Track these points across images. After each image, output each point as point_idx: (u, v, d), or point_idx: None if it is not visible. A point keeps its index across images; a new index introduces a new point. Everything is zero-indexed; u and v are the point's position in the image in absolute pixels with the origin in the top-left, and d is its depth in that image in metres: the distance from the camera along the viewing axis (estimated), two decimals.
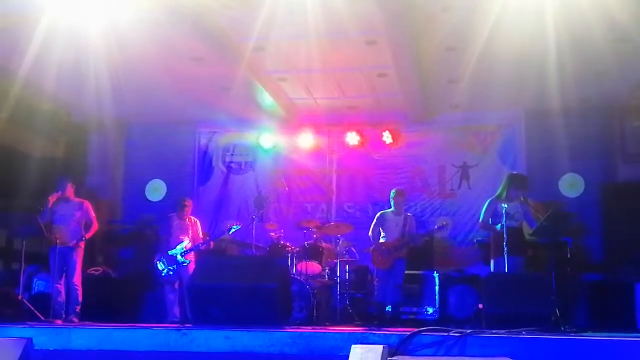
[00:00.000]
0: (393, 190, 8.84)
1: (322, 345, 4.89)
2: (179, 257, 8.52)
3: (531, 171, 9.78)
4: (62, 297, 8.14)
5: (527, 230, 7.83)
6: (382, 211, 8.77)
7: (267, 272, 6.01)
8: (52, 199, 8.24)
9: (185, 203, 8.82)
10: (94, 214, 8.48)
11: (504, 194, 7.84)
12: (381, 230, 8.52)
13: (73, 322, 7.82)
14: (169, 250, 8.55)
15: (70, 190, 8.43)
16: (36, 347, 5.17)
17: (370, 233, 8.61)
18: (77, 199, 8.51)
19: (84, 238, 8.31)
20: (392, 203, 8.60)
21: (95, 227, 8.48)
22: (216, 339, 5.10)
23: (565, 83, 8.51)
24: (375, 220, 8.69)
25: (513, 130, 10.53)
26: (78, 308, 8.11)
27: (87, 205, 8.50)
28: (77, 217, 8.35)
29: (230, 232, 8.67)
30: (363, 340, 4.74)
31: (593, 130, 9.84)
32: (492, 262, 7.78)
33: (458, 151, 10.67)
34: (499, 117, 10.49)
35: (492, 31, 7.36)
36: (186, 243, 8.58)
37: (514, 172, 8.54)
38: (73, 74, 8.58)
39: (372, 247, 8.62)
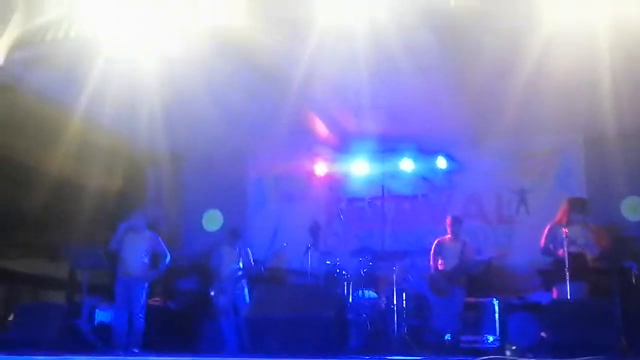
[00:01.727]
0: (449, 217, 8.76)
1: None
2: (233, 285, 8.58)
3: (591, 195, 9.53)
4: (124, 328, 8.25)
5: (589, 255, 7.63)
6: (439, 238, 8.70)
7: (323, 301, 6.00)
8: (122, 228, 8.40)
9: (236, 232, 8.91)
10: (164, 246, 8.59)
11: (565, 218, 7.68)
12: (439, 258, 8.43)
13: (134, 352, 7.92)
14: (223, 279, 8.63)
15: (141, 222, 8.58)
16: None
17: (431, 262, 8.54)
18: (147, 231, 8.65)
19: (160, 270, 8.40)
20: (448, 230, 8.51)
21: (169, 259, 8.57)
22: None
23: (621, 106, 8.31)
24: (433, 247, 8.62)
25: (571, 154, 10.30)
26: (140, 339, 8.22)
27: (157, 237, 8.62)
28: (146, 248, 8.47)
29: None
30: None
31: None
32: (553, 288, 7.60)
33: (514, 176, 10.49)
34: (556, 141, 10.29)
35: (543, 54, 7.26)
36: (239, 271, 8.64)
37: (574, 196, 8.37)
38: (128, 109, 8.79)
39: (430, 274, 8.54)
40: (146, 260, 8.46)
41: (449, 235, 8.60)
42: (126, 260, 8.38)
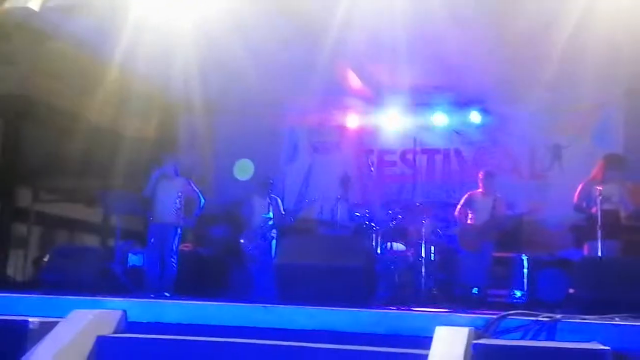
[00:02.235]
0: (482, 171, 8.69)
1: (406, 325, 4.85)
2: (263, 234, 8.67)
3: (629, 152, 9.35)
4: (157, 272, 8.43)
5: (623, 213, 7.54)
6: (470, 192, 8.66)
7: (352, 252, 6.03)
8: (156, 176, 8.51)
9: (268, 181, 8.96)
10: (197, 190, 8.70)
11: (600, 175, 7.57)
12: (469, 212, 8.40)
13: (165, 295, 8.10)
14: (254, 228, 8.72)
15: (174, 168, 8.69)
16: (130, 319, 5.38)
17: (456, 213, 8.52)
18: (180, 177, 8.76)
19: (192, 217, 8.59)
20: (480, 184, 8.46)
21: (203, 203, 8.70)
22: (300, 316, 5.16)
23: None
24: (463, 200, 8.60)
25: (610, 110, 10.09)
26: (171, 283, 8.40)
27: (190, 182, 8.73)
28: (179, 194, 8.58)
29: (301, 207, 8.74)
30: (448, 322, 4.68)
31: None
32: (585, 246, 7.55)
33: (550, 131, 10.33)
34: (595, 96, 10.06)
35: (584, 6, 7.06)
36: (269, 221, 8.72)
37: (611, 153, 8.23)
38: (163, 59, 8.83)
39: (460, 229, 8.52)
40: (179, 206, 8.56)
41: (480, 190, 8.54)
42: (159, 206, 8.51)
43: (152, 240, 8.47)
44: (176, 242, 8.52)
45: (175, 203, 8.51)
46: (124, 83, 9.51)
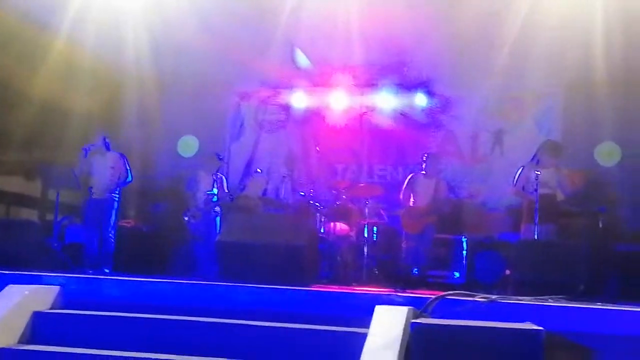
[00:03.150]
0: (425, 154, 8.80)
1: (348, 304, 4.92)
2: (206, 211, 8.62)
3: (567, 139, 9.59)
4: (95, 248, 8.32)
5: (560, 198, 7.74)
6: (413, 173, 8.76)
7: (295, 231, 6.04)
8: (88, 151, 8.39)
9: (215, 158, 8.92)
10: (128, 166, 8.63)
11: (538, 160, 7.76)
12: (411, 193, 8.51)
13: (105, 272, 8.00)
14: (197, 205, 8.67)
15: (105, 143, 8.58)
16: (67, 296, 5.29)
17: (401, 195, 8.62)
18: (113, 152, 8.66)
19: (118, 190, 8.48)
20: (424, 166, 8.57)
21: (130, 178, 8.62)
22: (242, 295, 5.16)
23: (608, 52, 8.31)
24: (406, 182, 8.69)
25: (552, 99, 10.31)
26: (110, 259, 8.30)
27: (123, 157, 8.64)
28: (113, 170, 8.50)
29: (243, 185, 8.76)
30: (388, 302, 4.75)
31: (632, 99, 9.57)
32: (522, 229, 7.73)
33: (493, 117, 10.49)
34: (538, 85, 10.26)
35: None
36: (213, 198, 8.68)
37: (549, 139, 8.43)
38: (113, 33, 8.68)
39: (402, 210, 8.62)
40: (111, 181, 8.44)
41: (423, 172, 8.65)
42: (93, 181, 8.42)
43: (88, 215, 8.38)
44: (113, 217, 8.42)
45: (107, 178, 8.41)
46: (70, 57, 9.29)
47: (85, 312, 5.01)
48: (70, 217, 9.41)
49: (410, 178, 8.72)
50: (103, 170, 8.49)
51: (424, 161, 8.72)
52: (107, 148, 8.67)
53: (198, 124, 11.27)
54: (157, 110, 11.52)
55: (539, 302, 4.69)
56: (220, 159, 9.07)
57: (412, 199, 8.55)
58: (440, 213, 8.51)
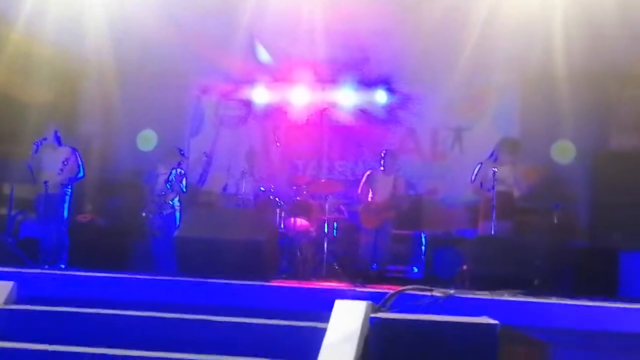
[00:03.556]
0: (384, 150, 8.87)
1: (307, 299, 4.93)
2: (165, 206, 8.55)
3: (524, 136, 9.73)
4: (49, 243, 8.19)
5: (516, 194, 7.87)
6: (371, 170, 8.82)
7: (255, 226, 6.03)
8: (39, 145, 8.25)
9: (175, 152, 8.84)
10: (80, 161, 8.50)
11: (496, 157, 7.87)
12: (369, 190, 8.57)
13: (61, 267, 7.88)
14: (156, 200, 8.60)
15: (57, 137, 8.44)
16: (21, 291, 5.19)
17: (359, 191, 8.68)
18: (64, 146, 8.53)
19: (70, 184, 8.36)
20: (382, 163, 8.63)
21: (81, 173, 8.50)
22: (201, 290, 5.14)
23: (566, 49, 8.46)
24: (364, 178, 8.76)
25: (509, 95, 10.44)
26: (65, 254, 8.18)
27: (74, 152, 8.51)
28: (64, 164, 8.37)
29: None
30: (347, 297, 4.78)
31: (589, 98, 9.75)
32: (480, 225, 7.84)
33: (452, 113, 10.60)
34: (496, 81, 10.39)
35: None
36: (171, 193, 8.61)
37: (507, 137, 8.55)
38: (73, 24, 8.54)
39: (360, 206, 8.67)
40: (63, 175, 8.33)
41: (382, 168, 8.72)
42: (44, 175, 8.27)
43: (42, 210, 8.23)
44: (65, 212, 8.30)
45: (58, 172, 8.28)
46: (27, 49, 9.12)
47: (40, 308, 4.94)
48: (25, 211, 9.23)
49: (369, 174, 8.78)
50: (54, 164, 8.35)
51: (382, 158, 8.79)
52: (59, 142, 8.53)
53: (158, 117, 11.11)
54: (117, 103, 11.37)
55: (494, 296, 4.77)
56: (182, 154, 8.98)
57: (370, 195, 8.61)
58: (398, 209, 8.57)
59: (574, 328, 4.49)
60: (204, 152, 8.90)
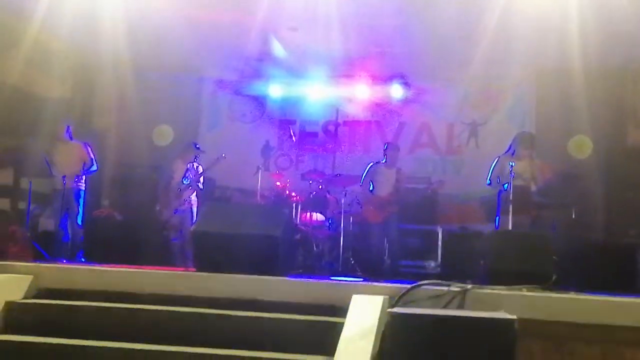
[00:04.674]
0: (386, 144, 8.90)
1: (324, 294, 4.93)
2: (182, 201, 8.59)
3: (540, 131, 9.70)
4: (67, 237, 8.27)
5: (533, 189, 7.83)
6: (373, 163, 8.82)
7: (272, 221, 6.02)
8: (53, 140, 8.32)
9: (191, 147, 8.87)
10: (92, 155, 8.58)
11: (512, 152, 7.84)
12: (372, 183, 8.58)
13: (80, 261, 7.96)
14: (173, 195, 8.64)
15: (69, 132, 8.52)
16: (41, 285, 5.24)
17: (360, 184, 8.71)
18: (75, 141, 8.61)
19: (84, 178, 8.44)
20: (384, 156, 8.66)
21: (94, 167, 8.59)
22: (218, 284, 5.15)
23: (582, 44, 8.41)
24: (366, 171, 8.77)
25: (524, 90, 10.40)
26: (83, 249, 8.27)
27: (86, 146, 8.59)
28: (76, 159, 8.45)
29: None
30: (364, 291, 4.78)
31: (605, 93, 9.70)
32: (497, 220, 7.81)
33: (468, 108, 10.57)
34: (512, 76, 10.35)
35: None
36: (189, 187, 8.66)
37: (523, 131, 8.51)
38: (89, 18, 8.59)
39: (364, 200, 8.69)
40: (76, 169, 8.42)
41: (384, 161, 8.72)
42: (58, 170, 8.37)
43: (58, 204, 8.31)
44: (80, 206, 8.38)
45: (72, 166, 8.35)
46: (43, 43, 9.18)
47: (59, 302, 4.97)
48: (43, 206, 9.30)
49: (371, 167, 8.78)
50: (67, 159, 8.41)
51: (384, 151, 8.79)
52: (70, 137, 8.60)
53: (174, 112, 11.19)
54: (132, 98, 11.42)
55: (512, 291, 4.75)
56: (198, 148, 9.00)
57: (373, 189, 8.62)
58: (402, 202, 8.58)
59: (591, 322, 4.47)
60: (223, 155, 8.93)
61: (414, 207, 9.10)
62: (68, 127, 8.64)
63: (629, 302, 4.61)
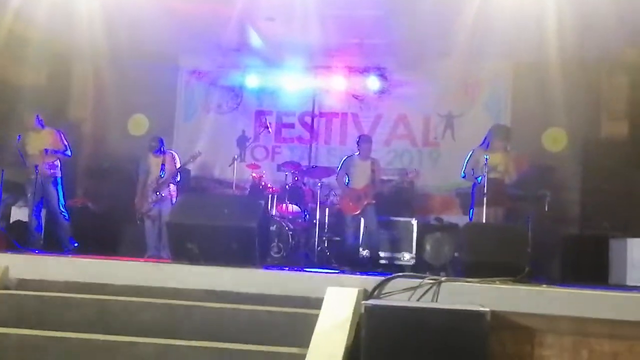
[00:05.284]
0: (359, 136, 8.91)
1: (299, 286, 4.93)
2: (156, 191, 8.54)
3: (516, 124, 9.77)
4: (40, 227, 8.21)
5: (508, 181, 7.90)
6: (348, 156, 8.83)
7: (247, 212, 5.99)
8: (24, 129, 8.24)
9: (154, 143, 8.80)
10: (65, 142, 8.49)
11: (487, 144, 7.89)
12: (347, 176, 8.59)
13: (73, 245, 8.05)
14: (148, 185, 8.60)
15: (39, 121, 8.42)
16: (12, 276, 5.17)
17: (336, 177, 8.71)
18: (47, 129, 8.52)
19: (58, 165, 8.35)
20: (357, 148, 8.68)
21: (69, 153, 8.52)
22: (192, 275, 5.13)
23: (559, 37, 8.47)
24: (341, 164, 8.78)
25: (501, 82, 10.46)
26: (58, 239, 8.22)
27: (59, 133, 8.50)
28: (49, 147, 8.34)
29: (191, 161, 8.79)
30: (339, 283, 4.79)
31: (580, 86, 9.78)
32: (471, 211, 7.86)
33: (444, 100, 10.60)
34: (488, 68, 10.40)
35: None
36: (163, 178, 8.59)
37: (498, 124, 8.57)
38: (65, 6, 8.49)
39: (340, 192, 8.70)
40: (50, 157, 8.32)
41: (357, 154, 8.72)
42: (34, 159, 8.26)
43: (32, 193, 8.21)
44: (56, 196, 8.30)
45: (45, 155, 8.26)
46: (18, 31, 9.07)
47: (32, 293, 4.92)
48: (16, 195, 9.19)
49: (346, 159, 8.79)
50: (40, 147, 8.32)
51: (357, 143, 8.80)
52: (42, 125, 8.51)
53: (149, 102, 11.09)
54: (107, 87, 11.31)
55: (485, 283, 4.79)
56: (153, 144, 8.87)
57: (347, 180, 8.63)
58: (379, 194, 8.60)
59: (564, 314, 4.52)
60: (198, 151, 8.91)
61: (389, 199, 9.11)
62: (37, 115, 8.51)
63: (600, 294, 4.67)
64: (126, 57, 10.73)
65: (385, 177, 9.15)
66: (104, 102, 11.25)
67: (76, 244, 8.20)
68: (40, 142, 8.37)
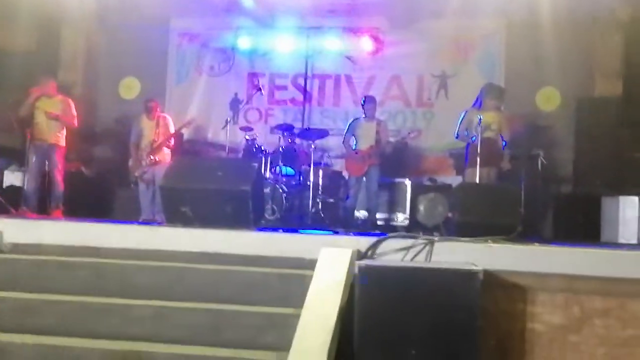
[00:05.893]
0: (364, 97, 8.89)
1: (293, 247, 4.96)
2: (151, 155, 8.52)
3: (509, 83, 9.72)
4: (38, 192, 8.22)
5: (501, 141, 7.90)
6: (354, 118, 8.83)
7: (241, 174, 5.99)
8: (34, 94, 8.14)
9: (150, 104, 8.75)
10: (75, 112, 8.42)
11: (480, 104, 7.87)
12: (354, 137, 8.58)
13: (58, 214, 7.99)
14: (141, 149, 8.58)
15: (53, 87, 8.36)
16: (6, 240, 5.19)
17: (343, 141, 8.72)
18: (59, 96, 8.46)
19: (63, 134, 8.32)
20: (363, 109, 8.66)
21: (74, 124, 8.47)
22: (186, 238, 5.15)
23: None
24: (347, 126, 8.78)
25: (494, 41, 10.39)
26: (56, 203, 8.22)
27: (70, 102, 8.46)
28: (59, 114, 8.30)
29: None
30: (333, 244, 4.82)
31: (573, 44, 9.72)
32: (465, 172, 7.88)
33: (437, 60, 10.52)
34: (481, 26, 10.32)
35: None
36: (156, 142, 8.57)
37: (491, 83, 8.54)
38: None
39: (346, 154, 8.70)
40: (59, 125, 8.26)
41: (363, 115, 8.72)
42: (38, 125, 8.19)
43: (33, 159, 8.18)
44: (56, 161, 8.26)
45: (53, 122, 8.22)
46: None
47: (26, 257, 4.94)
48: (9, 160, 9.16)
49: (352, 122, 8.80)
50: (49, 114, 8.27)
51: (362, 104, 8.79)
52: (54, 91, 8.46)
53: (140, 65, 10.99)
54: (97, 50, 11.20)
55: (478, 242, 4.82)
56: (150, 105, 8.82)
57: (355, 143, 8.63)
58: (383, 155, 8.60)
59: (556, 272, 4.57)
60: (191, 118, 8.88)
61: (384, 159, 9.11)
62: (53, 81, 8.52)
63: (591, 252, 4.72)
64: (116, 19, 10.62)
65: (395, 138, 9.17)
66: (95, 65, 11.15)
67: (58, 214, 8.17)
68: (51, 108, 8.31)
